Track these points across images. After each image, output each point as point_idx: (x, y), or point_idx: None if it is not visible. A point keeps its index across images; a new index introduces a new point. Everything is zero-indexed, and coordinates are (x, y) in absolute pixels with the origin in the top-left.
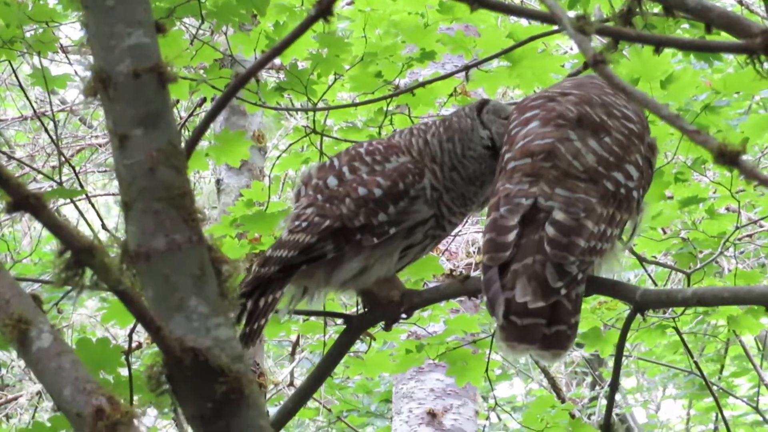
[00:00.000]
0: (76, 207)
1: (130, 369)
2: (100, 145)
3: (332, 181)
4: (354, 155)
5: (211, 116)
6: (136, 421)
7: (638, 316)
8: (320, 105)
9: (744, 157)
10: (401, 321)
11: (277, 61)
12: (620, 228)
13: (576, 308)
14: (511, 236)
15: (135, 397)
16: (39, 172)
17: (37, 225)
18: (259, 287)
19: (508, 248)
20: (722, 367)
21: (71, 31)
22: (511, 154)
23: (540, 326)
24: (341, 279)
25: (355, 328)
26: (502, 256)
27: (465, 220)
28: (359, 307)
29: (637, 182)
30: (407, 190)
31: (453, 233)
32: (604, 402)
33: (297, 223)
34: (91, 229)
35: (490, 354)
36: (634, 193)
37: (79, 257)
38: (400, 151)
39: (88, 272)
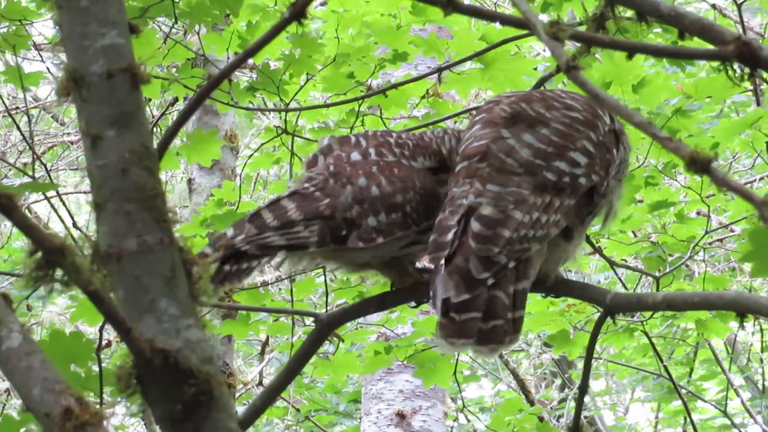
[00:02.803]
0: (50, 203)
1: (100, 366)
2: (72, 143)
3: (356, 157)
4: (383, 142)
5: (184, 118)
6: (105, 422)
7: (607, 319)
8: (292, 105)
9: (715, 164)
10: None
11: (249, 60)
12: (562, 214)
13: (516, 304)
14: (450, 235)
15: (105, 393)
16: (12, 165)
17: (8, 222)
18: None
19: (446, 247)
20: (691, 370)
21: (44, 28)
22: (457, 160)
23: (476, 321)
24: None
25: (324, 327)
26: (441, 255)
27: None
28: (329, 308)
29: (587, 168)
30: (403, 205)
31: None
32: (572, 404)
33: (306, 186)
34: (65, 225)
35: (458, 356)
36: (582, 180)
37: (51, 257)
38: (428, 153)
39: (59, 272)
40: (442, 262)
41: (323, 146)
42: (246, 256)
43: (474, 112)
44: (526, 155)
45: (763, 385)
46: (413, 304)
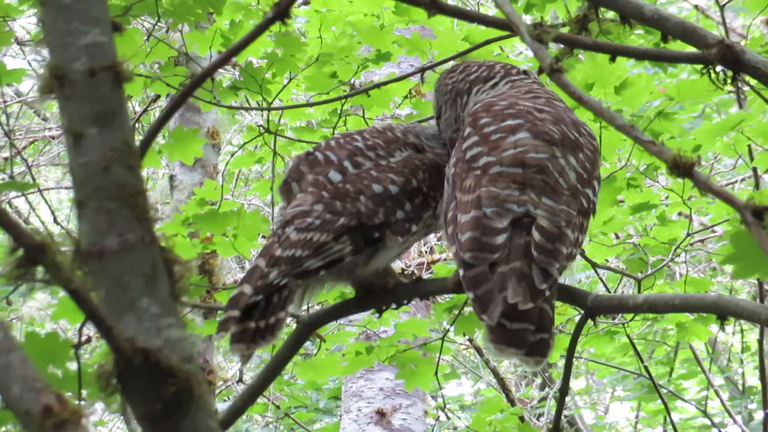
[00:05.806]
0: (28, 201)
1: (79, 363)
2: (53, 138)
3: (335, 176)
4: (353, 150)
5: (166, 116)
6: (84, 420)
7: (589, 321)
8: (275, 104)
9: (697, 167)
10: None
11: (232, 59)
12: (585, 234)
13: (554, 317)
14: (501, 238)
15: (83, 392)
16: None
17: None
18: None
19: (497, 250)
20: (671, 369)
21: (27, 24)
22: (494, 159)
23: (529, 332)
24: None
25: (304, 327)
26: (490, 257)
27: None
28: (310, 306)
29: (598, 195)
30: (420, 187)
31: None
32: (553, 403)
33: (309, 220)
34: (43, 223)
35: (439, 358)
36: (593, 206)
37: (31, 255)
38: (401, 145)
39: (40, 269)
40: (486, 264)
41: (291, 171)
42: (271, 309)
43: (483, 105)
44: (572, 179)
45: (743, 385)
46: (394, 306)
